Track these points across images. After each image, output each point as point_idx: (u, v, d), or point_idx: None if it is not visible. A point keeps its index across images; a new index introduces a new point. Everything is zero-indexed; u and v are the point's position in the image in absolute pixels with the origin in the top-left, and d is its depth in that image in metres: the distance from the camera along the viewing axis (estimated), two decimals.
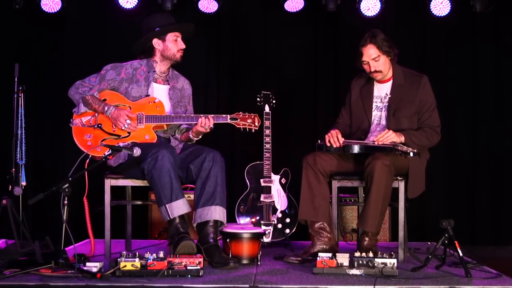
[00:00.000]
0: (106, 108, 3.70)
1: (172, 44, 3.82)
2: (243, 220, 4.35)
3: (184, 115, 3.79)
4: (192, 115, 3.82)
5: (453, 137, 5.16)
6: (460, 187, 5.33)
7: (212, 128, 3.70)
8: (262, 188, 4.40)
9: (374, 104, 3.88)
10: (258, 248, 3.53)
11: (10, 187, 4.06)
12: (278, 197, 4.41)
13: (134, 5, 5.11)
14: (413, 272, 3.30)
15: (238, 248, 3.52)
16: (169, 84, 3.91)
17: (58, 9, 5.14)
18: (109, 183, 3.74)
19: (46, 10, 5.14)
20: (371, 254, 3.19)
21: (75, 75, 3.91)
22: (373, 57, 3.75)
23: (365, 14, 5.13)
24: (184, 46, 3.85)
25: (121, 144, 3.54)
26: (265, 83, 5.17)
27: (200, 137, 3.84)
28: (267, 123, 4.38)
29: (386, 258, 3.16)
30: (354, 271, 3.15)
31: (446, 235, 3.34)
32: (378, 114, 3.87)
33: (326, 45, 5.41)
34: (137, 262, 3.05)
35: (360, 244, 3.68)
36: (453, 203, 5.30)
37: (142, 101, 3.78)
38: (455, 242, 3.31)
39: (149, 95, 3.80)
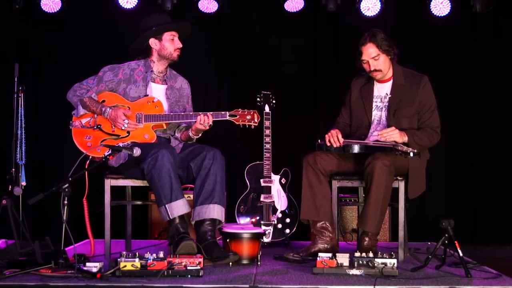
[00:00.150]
0: (103, 110, 3.70)
1: (168, 44, 3.82)
2: (243, 220, 4.35)
3: (182, 113, 3.79)
4: (191, 113, 3.81)
5: (453, 137, 5.16)
6: (460, 187, 5.33)
7: (211, 125, 3.70)
8: (262, 188, 4.40)
9: (374, 104, 3.88)
10: (258, 248, 3.53)
11: (10, 187, 4.06)
12: (278, 197, 4.41)
13: (134, 5, 5.11)
14: (413, 272, 3.30)
15: (238, 248, 3.52)
16: (167, 83, 3.91)
17: (58, 9, 5.14)
18: (109, 183, 3.74)
19: (46, 10, 5.14)
20: (371, 254, 3.19)
21: (75, 75, 3.92)
22: (373, 56, 3.75)
23: (365, 14, 5.13)
24: (181, 45, 3.85)
25: (120, 144, 3.54)
26: (265, 83, 5.17)
27: (200, 135, 3.84)
28: (267, 123, 4.38)
29: (386, 258, 3.16)
30: (354, 271, 3.15)
31: (446, 235, 3.34)
32: (378, 114, 3.86)
33: (326, 45, 5.40)
34: (137, 262, 3.05)
35: (360, 244, 3.68)
36: (453, 203, 5.30)
37: (140, 101, 3.78)
38: (455, 242, 3.31)
39: (147, 95, 3.80)
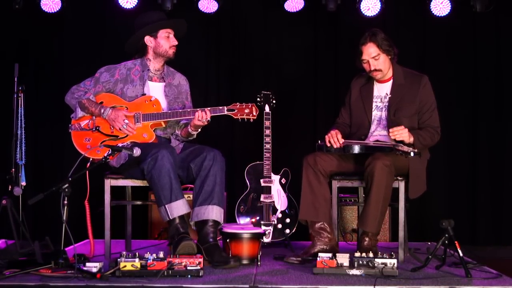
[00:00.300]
0: (102, 110, 3.70)
1: (164, 41, 3.82)
2: (243, 220, 4.35)
3: (180, 110, 3.78)
4: (189, 109, 3.80)
5: (453, 137, 5.16)
6: (460, 187, 5.33)
7: (209, 121, 3.69)
8: (262, 188, 4.40)
9: (374, 104, 3.88)
10: (258, 248, 3.53)
11: (10, 187, 4.06)
12: (278, 197, 4.41)
13: (134, 5, 5.10)
14: (413, 272, 3.30)
15: (238, 248, 3.52)
16: (164, 81, 3.91)
17: (58, 9, 5.14)
18: (109, 183, 3.73)
19: (46, 10, 5.13)
20: (371, 254, 3.19)
21: (75, 75, 3.91)
22: (373, 56, 3.75)
23: (365, 14, 5.13)
24: (176, 43, 3.84)
25: (120, 145, 3.53)
26: (265, 83, 5.18)
27: (200, 130, 3.82)
28: (267, 123, 4.38)
29: (386, 258, 3.16)
30: (354, 271, 3.15)
31: (446, 235, 3.34)
32: (378, 114, 3.86)
33: (326, 45, 5.40)
34: (137, 262, 3.05)
35: (360, 244, 3.68)
36: (453, 203, 5.30)
37: (138, 101, 3.78)
38: (455, 242, 3.31)
39: (145, 94, 3.80)
